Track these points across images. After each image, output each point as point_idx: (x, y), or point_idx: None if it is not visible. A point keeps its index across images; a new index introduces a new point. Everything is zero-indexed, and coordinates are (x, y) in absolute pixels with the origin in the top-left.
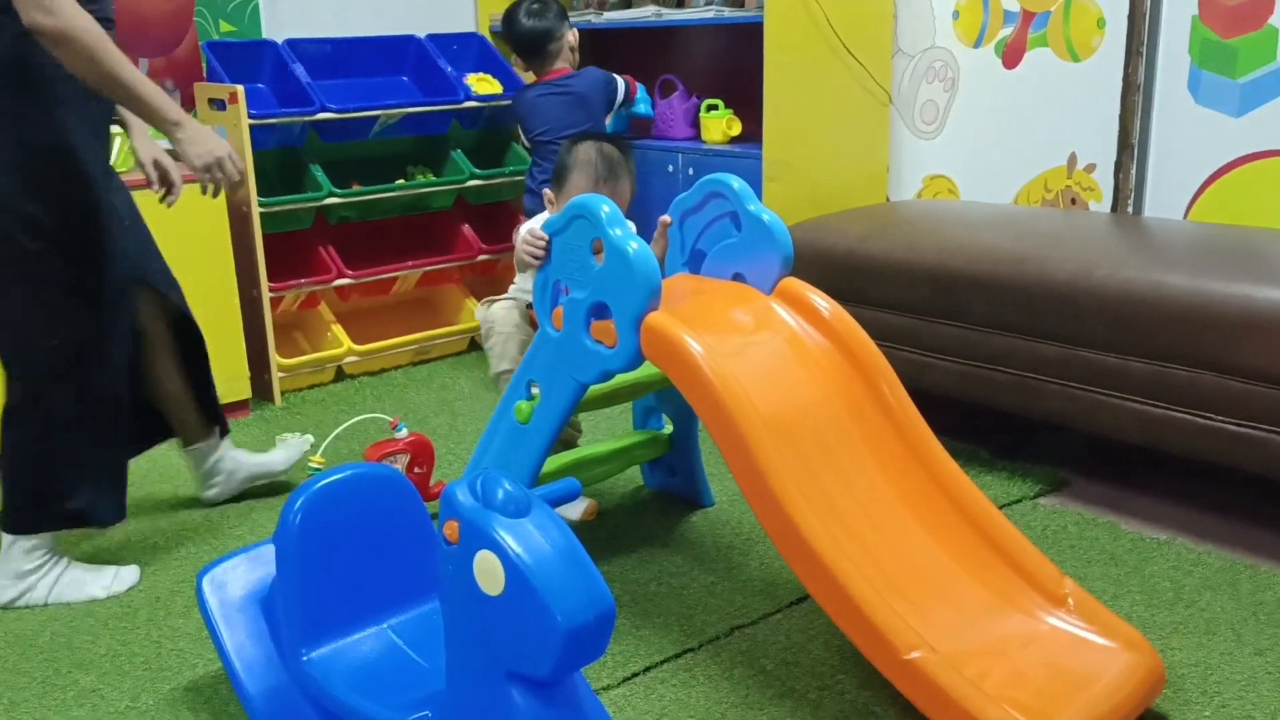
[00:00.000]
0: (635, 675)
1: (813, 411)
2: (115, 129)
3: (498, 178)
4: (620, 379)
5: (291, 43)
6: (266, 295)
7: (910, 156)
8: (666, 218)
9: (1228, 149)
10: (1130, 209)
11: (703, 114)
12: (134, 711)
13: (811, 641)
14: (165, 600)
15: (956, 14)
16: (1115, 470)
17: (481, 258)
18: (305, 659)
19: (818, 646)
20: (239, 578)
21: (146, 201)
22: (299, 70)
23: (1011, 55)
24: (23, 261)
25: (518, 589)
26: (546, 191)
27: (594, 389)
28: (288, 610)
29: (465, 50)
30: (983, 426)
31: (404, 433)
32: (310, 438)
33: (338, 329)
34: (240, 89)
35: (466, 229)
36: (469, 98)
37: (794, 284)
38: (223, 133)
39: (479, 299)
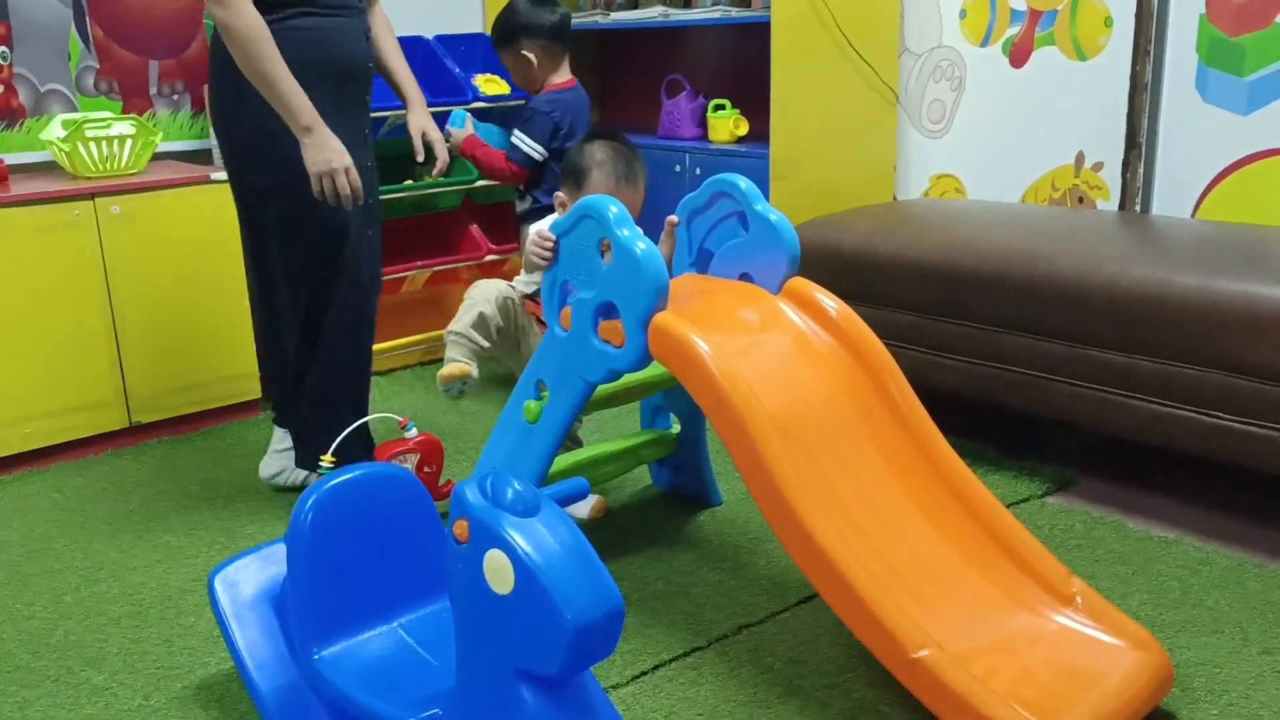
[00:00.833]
0: (644, 674)
1: (820, 411)
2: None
3: None
4: (628, 378)
5: None
6: None
7: (917, 155)
8: (674, 218)
9: (1235, 147)
10: (1138, 207)
11: (710, 114)
12: (146, 709)
13: (819, 640)
14: (176, 599)
15: (963, 13)
16: (1123, 469)
17: (489, 258)
18: (316, 657)
19: (825, 645)
20: (250, 576)
21: (156, 203)
22: None
23: (1019, 54)
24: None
25: (527, 588)
26: (559, 195)
27: (602, 388)
28: (299, 609)
29: (473, 51)
30: (990, 425)
31: (413, 432)
32: None
33: None
34: None
35: (474, 229)
36: (477, 98)
37: (801, 284)
38: None
39: None
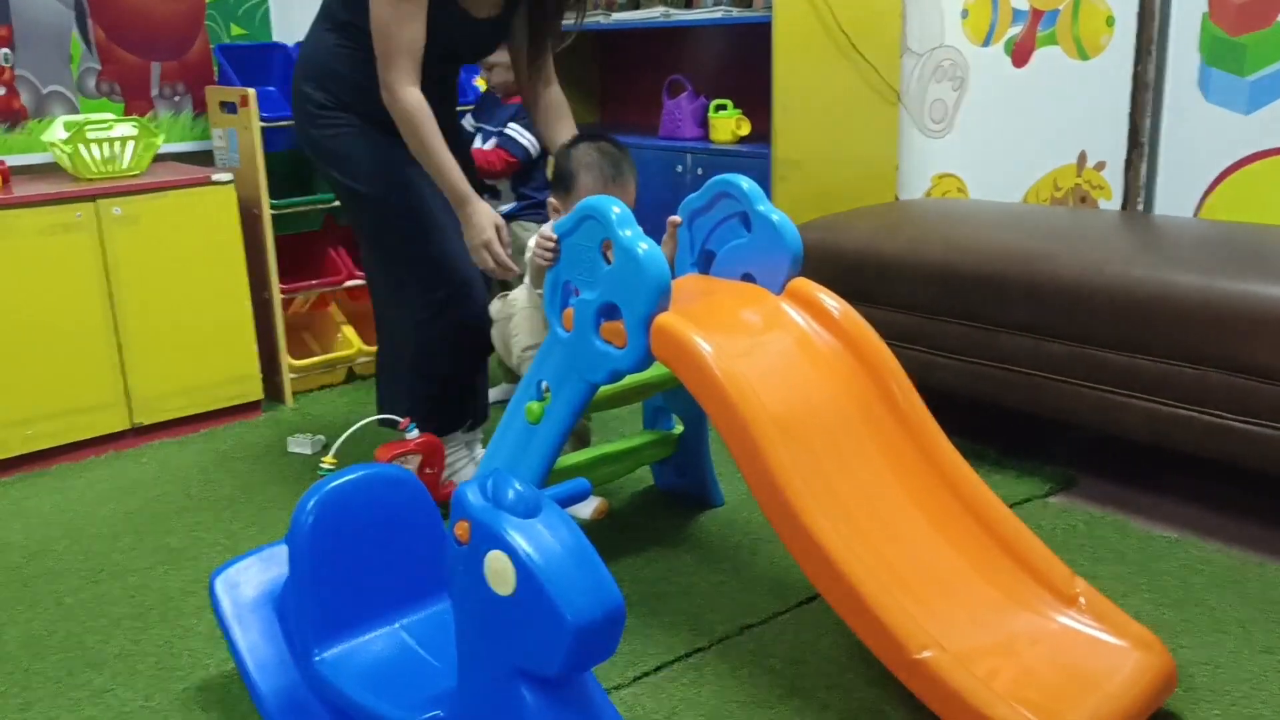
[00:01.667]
0: (645, 674)
1: (822, 411)
2: None
3: None
4: (630, 379)
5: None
6: (278, 297)
7: (919, 155)
8: (676, 218)
9: (1237, 146)
10: (1140, 207)
11: (711, 114)
12: (146, 711)
13: (820, 640)
14: (177, 601)
15: (965, 13)
16: (1124, 469)
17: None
18: (317, 659)
19: (827, 645)
20: (251, 578)
21: (157, 205)
22: None
23: (1020, 54)
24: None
25: (528, 589)
26: (551, 200)
27: (604, 389)
28: (300, 610)
29: None
30: (992, 425)
31: (415, 434)
32: (322, 438)
33: (348, 330)
34: (251, 92)
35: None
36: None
37: (803, 284)
38: (234, 137)
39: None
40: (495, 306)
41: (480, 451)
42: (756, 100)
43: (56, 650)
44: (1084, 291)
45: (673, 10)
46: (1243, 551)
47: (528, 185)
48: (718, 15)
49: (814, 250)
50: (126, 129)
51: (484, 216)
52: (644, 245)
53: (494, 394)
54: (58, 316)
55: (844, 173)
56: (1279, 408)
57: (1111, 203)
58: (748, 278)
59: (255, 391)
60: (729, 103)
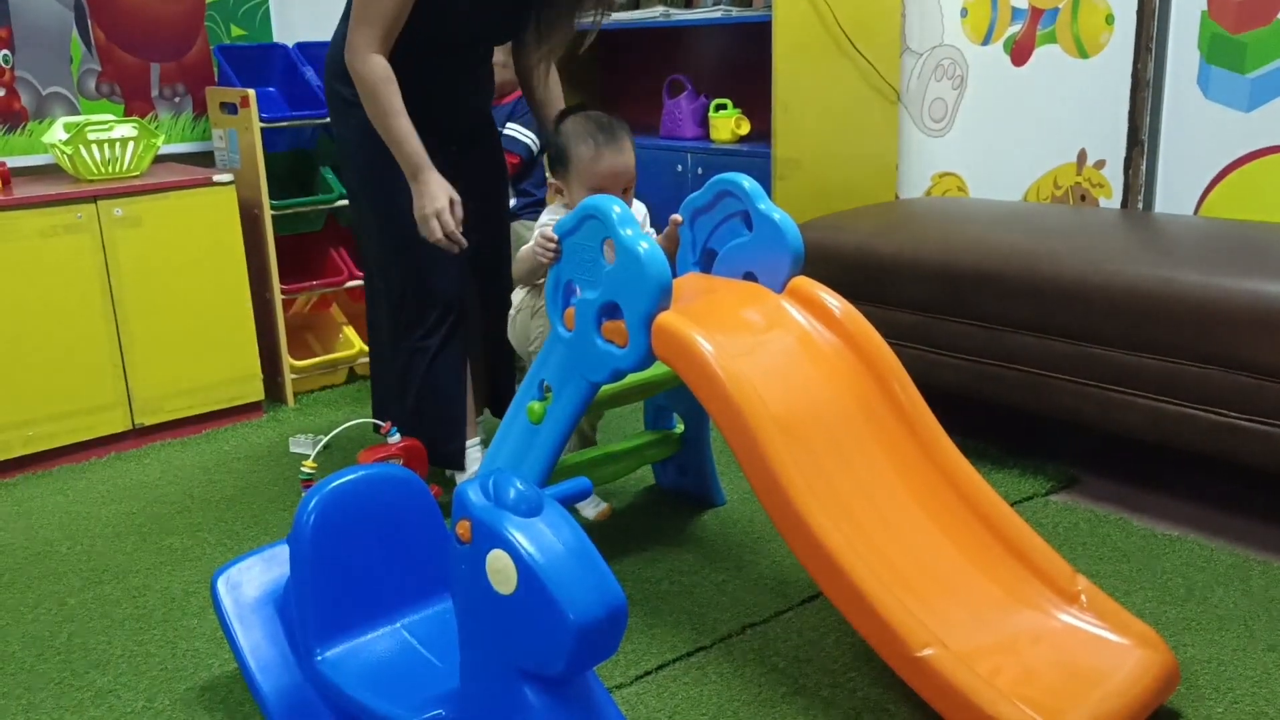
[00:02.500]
0: (648, 673)
1: (824, 410)
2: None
3: None
4: (631, 378)
5: (302, 46)
6: (279, 297)
7: (919, 154)
8: (677, 216)
9: (1238, 144)
10: (1140, 205)
11: (711, 113)
12: (150, 712)
13: (823, 639)
14: (180, 601)
15: (965, 11)
16: (1126, 467)
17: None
18: (319, 659)
19: (829, 644)
20: (254, 578)
21: (158, 206)
22: (309, 73)
23: (1020, 52)
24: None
25: (530, 588)
26: (552, 181)
27: (605, 388)
28: (302, 610)
29: None
30: (993, 424)
31: (396, 438)
32: (323, 438)
33: (349, 330)
34: (251, 92)
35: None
36: None
37: (805, 283)
38: (234, 138)
39: None
40: (518, 296)
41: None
42: (756, 100)
43: (59, 651)
44: (1085, 290)
45: (673, 10)
46: (1245, 549)
47: (528, 182)
48: (717, 15)
49: (814, 249)
50: (127, 130)
51: (438, 186)
52: (645, 244)
53: None
54: (59, 318)
55: (844, 172)
56: None
57: (1111, 201)
58: (749, 276)
59: (257, 392)
60: (729, 102)
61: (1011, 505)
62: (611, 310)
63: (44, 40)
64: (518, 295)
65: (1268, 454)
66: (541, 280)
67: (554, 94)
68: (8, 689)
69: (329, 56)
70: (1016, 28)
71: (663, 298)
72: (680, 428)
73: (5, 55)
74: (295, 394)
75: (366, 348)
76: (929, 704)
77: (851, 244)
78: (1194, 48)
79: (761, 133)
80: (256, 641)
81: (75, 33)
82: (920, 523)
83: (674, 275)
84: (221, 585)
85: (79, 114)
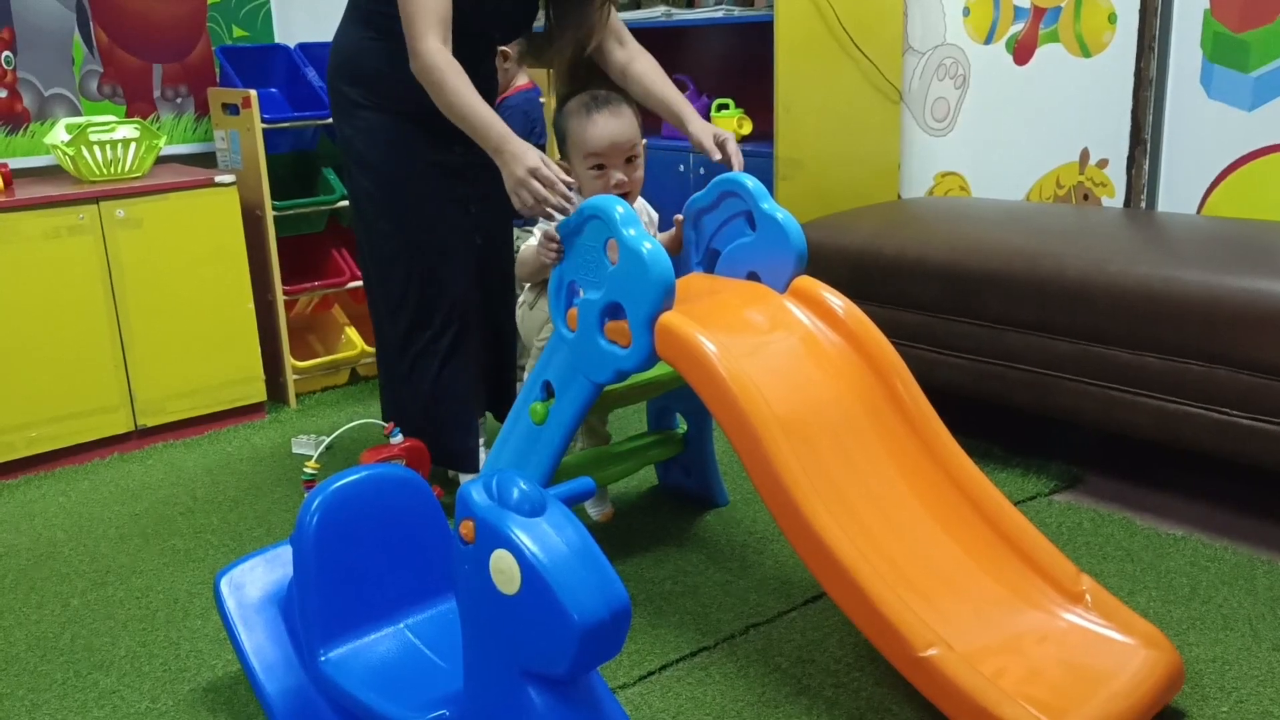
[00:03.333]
0: (651, 674)
1: (827, 409)
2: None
3: None
4: (635, 379)
5: (303, 47)
6: (280, 298)
7: (921, 154)
8: (680, 217)
9: (1240, 143)
10: (1143, 204)
11: (713, 113)
12: (153, 713)
13: (827, 639)
14: (184, 602)
15: (967, 11)
16: (1130, 466)
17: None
18: (323, 659)
19: (833, 644)
20: (257, 579)
21: (160, 207)
22: (311, 74)
23: (1022, 51)
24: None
25: (534, 588)
26: (563, 163)
27: (609, 389)
28: (305, 611)
29: None
30: (997, 423)
31: (399, 438)
32: (326, 439)
33: (351, 331)
34: (253, 93)
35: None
36: None
37: (808, 282)
38: (236, 139)
39: None
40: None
41: None
42: (758, 99)
43: (63, 652)
44: (1088, 289)
45: (674, 10)
46: (1251, 549)
47: None
48: (719, 15)
49: (817, 249)
50: (129, 131)
51: (523, 151)
52: (648, 244)
53: None
54: (61, 319)
55: (846, 172)
56: None
57: (1114, 200)
58: (753, 276)
59: (259, 393)
60: (731, 102)
61: (1015, 505)
62: (614, 311)
63: (46, 41)
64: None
65: (1272, 453)
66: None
67: (638, 67)
68: (12, 690)
69: (331, 58)
70: (1019, 27)
71: (666, 298)
72: (683, 428)
73: (7, 57)
74: (297, 395)
75: (369, 348)
76: (933, 704)
77: (854, 244)
78: (1196, 46)
79: (764, 133)
80: (260, 642)
81: (77, 34)
82: (924, 522)
83: (677, 275)
84: (225, 586)
85: (81, 115)
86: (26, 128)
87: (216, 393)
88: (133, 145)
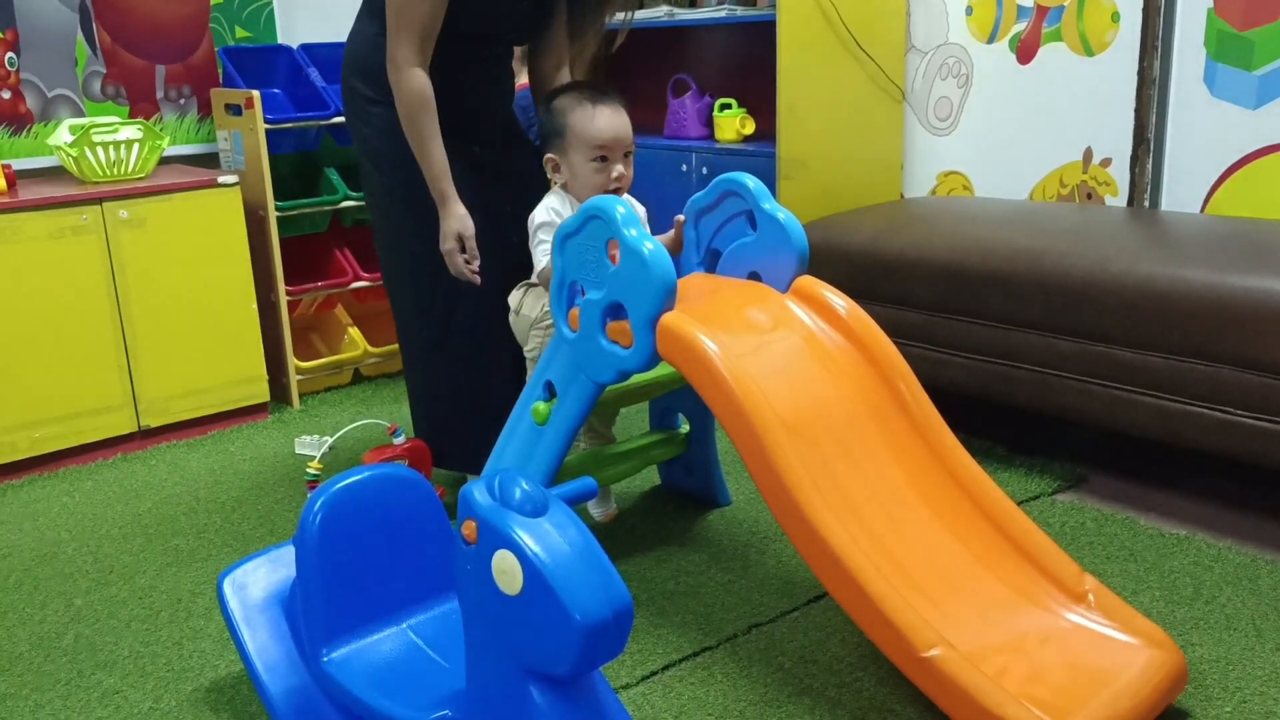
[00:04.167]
0: (654, 674)
1: (829, 409)
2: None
3: None
4: (637, 379)
5: (306, 47)
6: (284, 299)
7: (924, 153)
8: (681, 217)
9: (1244, 142)
10: (1147, 203)
11: (716, 113)
12: (156, 712)
13: (830, 639)
14: (187, 602)
15: (970, 10)
16: (1134, 466)
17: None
18: (326, 659)
19: (836, 644)
20: (260, 579)
21: (163, 207)
22: (314, 74)
23: (1025, 50)
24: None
25: (536, 588)
26: (550, 156)
27: (611, 389)
28: (308, 611)
29: None
30: (1000, 423)
31: (401, 439)
32: (329, 439)
33: (354, 331)
34: (256, 94)
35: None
36: None
37: (810, 282)
38: (239, 139)
39: None
40: (515, 296)
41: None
42: (761, 99)
43: (67, 652)
44: (1092, 288)
45: (677, 10)
46: (1255, 548)
47: None
48: (722, 14)
49: (820, 249)
50: (132, 132)
51: (452, 223)
52: (649, 245)
53: None
54: (65, 320)
55: (849, 171)
56: None
57: (1118, 199)
58: (754, 276)
59: (262, 393)
60: (733, 101)
61: (1018, 504)
62: (616, 311)
63: (49, 43)
64: (514, 296)
65: (1276, 452)
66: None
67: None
68: (15, 689)
69: (346, 54)
70: (1022, 26)
71: (667, 298)
72: (686, 428)
73: (10, 58)
74: (300, 395)
75: (372, 349)
76: (936, 704)
77: (857, 243)
78: (1200, 45)
79: (766, 132)
80: (263, 642)
81: (80, 35)
82: (926, 522)
83: (678, 275)
84: (228, 586)
85: (84, 116)
86: (30, 129)
87: (220, 393)
88: (136, 146)
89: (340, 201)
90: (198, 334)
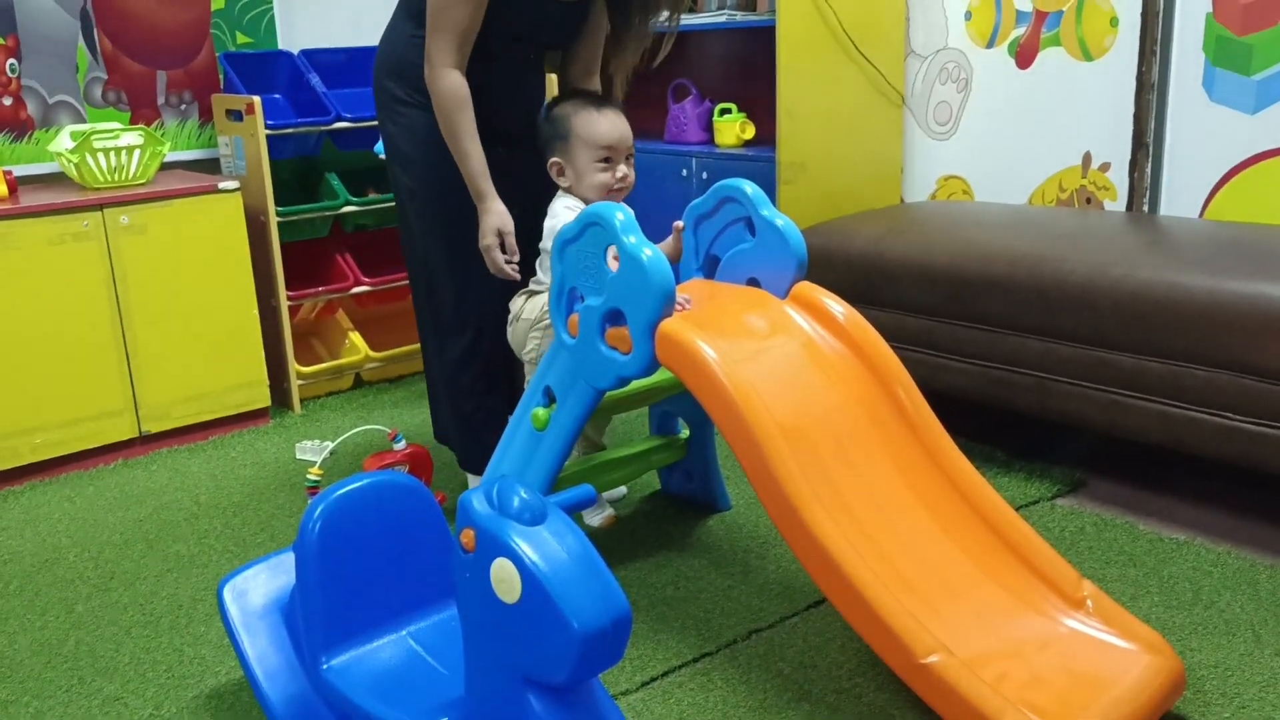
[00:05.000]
0: (653, 680)
1: (828, 415)
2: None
3: None
4: (636, 384)
5: (307, 53)
6: (285, 304)
7: (924, 158)
8: (679, 223)
9: (1243, 146)
10: (1146, 208)
11: (716, 118)
12: (157, 719)
13: (829, 645)
14: (187, 608)
15: (969, 15)
16: (1132, 471)
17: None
18: (325, 666)
19: (835, 650)
20: (259, 586)
21: (164, 213)
22: (315, 80)
23: (1025, 55)
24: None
25: (534, 596)
26: (556, 161)
27: (610, 395)
28: (308, 618)
29: None
30: (999, 427)
31: (402, 444)
32: (330, 444)
33: (355, 336)
34: (257, 100)
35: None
36: None
37: (809, 288)
38: (240, 145)
39: None
40: (516, 303)
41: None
42: (761, 104)
43: (67, 658)
44: (1091, 293)
45: None
46: (1254, 553)
47: None
48: (722, 19)
49: (819, 254)
50: (133, 138)
51: (491, 219)
52: (648, 251)
53: None
54: (66, 325)
55: (849, 176)
56: None
57: (1117, 204)
58: (753, 282)
59: (263, 398)
60: (733, 106)
61: (1017, 509)
62: (615, 317)
63: (50, 49)
64: (515, 303)
65: (1275, 457)
66: (536, 289)
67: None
68: (16, 696)
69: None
70: (1021, 31)
71: (666, 304)
72: (685, 433)
73: (12, 64)
74: (301, 400)
75: (373, 353)
76: (935, 710)
77: (857, 248)
78: (1199, 50)
79: (766, 137)
80: (262, 649)
81: (81, 41)
82: (925, 528)
83: (677, 281)
84: (228, 593)
85: (85, 122)
86: (31, 135)
87: (221, 398)
88: (137, 152)
89: (341, 207)
90: (199, 339)
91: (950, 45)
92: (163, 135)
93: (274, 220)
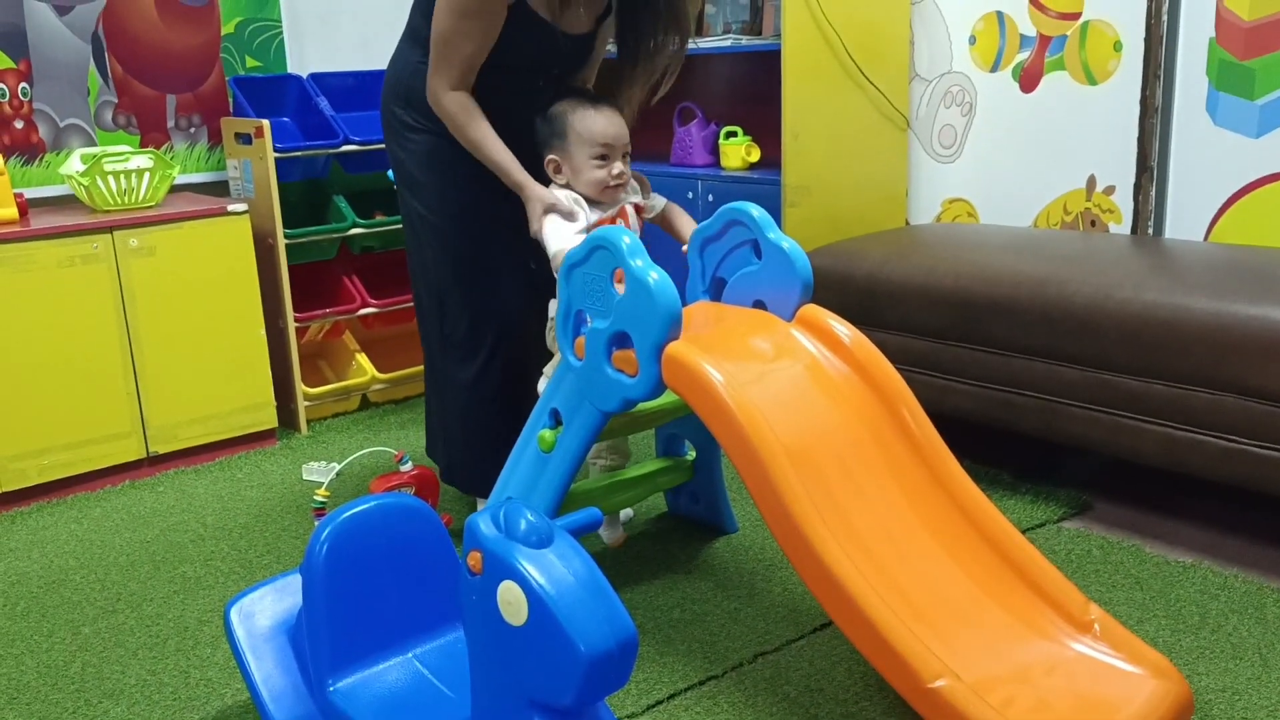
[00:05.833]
0: (659, 703)
1: (834, 437)
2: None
3: None
4: (642, 407)
5: (315, 77)
6: (292, 325)
7: (929, 180)
8: (685, 245)
9: (1247, 170)
10: (1150, 231)
11: (722, 141)
12: None
13: (835, 668)
14: (194, 630)
15: (973, 39)
16: (1139, 493)
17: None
18: (332, 689)
19: (842, 673)
20: (266, 608)
21: (173, 236)
22: (323, 103)
23: (1029, 79)
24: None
25: (541, 619)
26: (552, 157)
27: (616, 417)
28: (314, 640)
29: None
30: (1005, 450)
31: (408, 466)
32: (336, 465)
33: (362, 358)
34: (266, 123)
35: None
36: None
37: (814, 311)
38: (249, 168)
39: None
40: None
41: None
42: (766, 127)
43: (74, 680)
44: (1096, 316)
45: None
46: (1261, 576)
47: None
48: (727, 43)
49: (825, 276)
50: (143, 161)
51: (535, 204)
52: (655, 274)
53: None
54: (75, 347)
55: (854, 198)
56: None
57: (1121, 227)
58: (759, 305)
59: (270, 420)
60: (739, 129)
61: (1023, 532)
62: (622, 340)
63: (62, 73)
64: (553, 306)
65: None
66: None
67: None
68: (23, 718)
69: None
70: (1025, 55)
71: (673, 327)
72: (692, 455)
73: (24, 88)
74: (308, 421)
75: (379, 375)
76: None
77: (862, 270)
78: (1202, 74)
79: (772, 160)
80: (269, 671)
81: (93, 65)
82: (931, 551)
83: (684, 304)
84: (234, 615)
85: (96, 145)
86: (42, 158)
87: (228, 419)
88: (146, 175)
89: (349, 229)
90: (206, 361)
91: (955, 69)
92: (172, 158)
93: (282, 242)
